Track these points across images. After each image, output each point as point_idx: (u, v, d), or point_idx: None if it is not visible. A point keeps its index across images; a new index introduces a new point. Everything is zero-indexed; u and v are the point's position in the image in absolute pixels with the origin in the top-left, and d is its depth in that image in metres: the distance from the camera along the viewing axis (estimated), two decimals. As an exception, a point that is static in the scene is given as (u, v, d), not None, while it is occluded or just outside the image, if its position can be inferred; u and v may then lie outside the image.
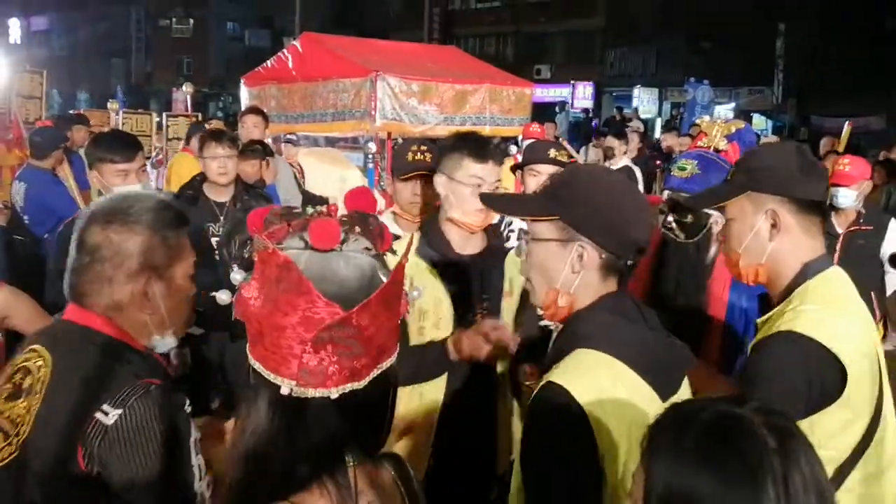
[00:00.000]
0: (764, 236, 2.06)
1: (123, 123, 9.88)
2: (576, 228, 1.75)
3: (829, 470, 1.68)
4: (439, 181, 3.08)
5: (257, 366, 1.33)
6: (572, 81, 26.16)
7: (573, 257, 1.75)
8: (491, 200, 2.31)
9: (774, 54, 23.49)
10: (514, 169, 4.25)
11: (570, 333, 1.75)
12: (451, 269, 2.87)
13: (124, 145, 3.62)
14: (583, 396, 1.59)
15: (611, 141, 9.59)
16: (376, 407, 1.39)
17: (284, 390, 1.29)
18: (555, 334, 1.86)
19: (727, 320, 2.69)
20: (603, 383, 1.62)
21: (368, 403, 1.35)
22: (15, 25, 40.72)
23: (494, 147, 3.24)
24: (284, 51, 10.46)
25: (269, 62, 10.51)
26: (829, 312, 1.94)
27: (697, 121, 3.15)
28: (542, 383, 1.67)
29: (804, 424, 1.69)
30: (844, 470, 1.89)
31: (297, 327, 1.26)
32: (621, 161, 9.07)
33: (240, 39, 41.03)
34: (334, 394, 1.29)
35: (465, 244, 2.94)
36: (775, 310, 2.03)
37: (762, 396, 1.67)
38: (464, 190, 2.91)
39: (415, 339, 2.82)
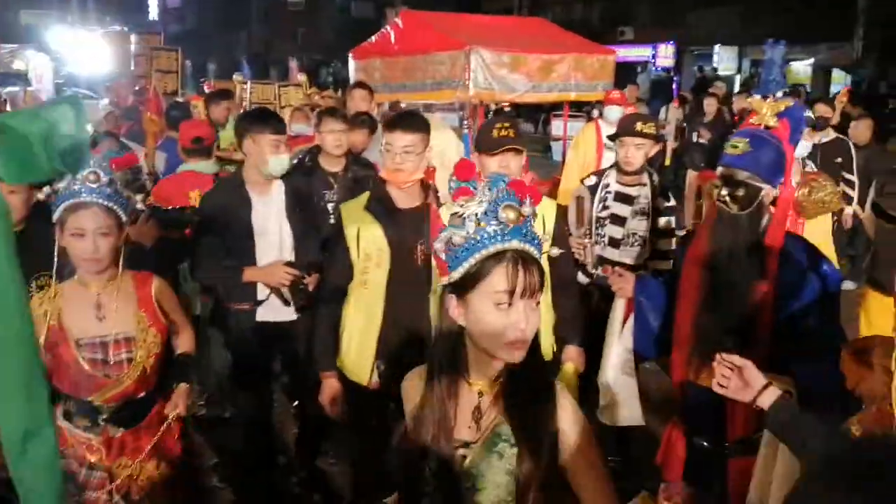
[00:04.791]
0: None
1: (251, 93, 9.96)
2: None
3: None
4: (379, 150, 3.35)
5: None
6: (654, 42, 25.41)
7: None
8: None
9: (857, 10, 22.03)
10: (611, 138, 4.40)
11: None
12: (391, 220, 3.14)
13: (277, 120, 3.87)
14: None
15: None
16: None
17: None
18: None
19: (780, 267, 2.65)
20: None
21: None
22: (153, 3, 42.55)
23: (408, 117, 3.39)
24: (387, 27, 10.51)
25: (373, 38, 10.56)
26: None
27: (749, 100, 3.06)
28: None
29: None
30: None
31: None
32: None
33: (346, 10, 41.36)
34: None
35: (403, 200, 3.20)
36: None
37: None
38: (384, 154, 3.22)
39: (359, 277, 3.17)
